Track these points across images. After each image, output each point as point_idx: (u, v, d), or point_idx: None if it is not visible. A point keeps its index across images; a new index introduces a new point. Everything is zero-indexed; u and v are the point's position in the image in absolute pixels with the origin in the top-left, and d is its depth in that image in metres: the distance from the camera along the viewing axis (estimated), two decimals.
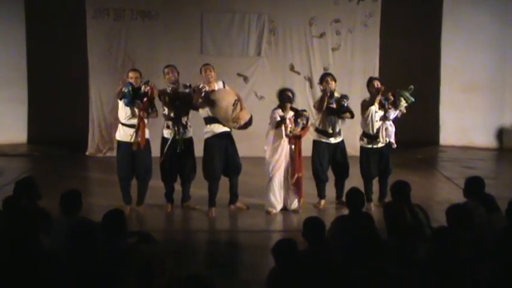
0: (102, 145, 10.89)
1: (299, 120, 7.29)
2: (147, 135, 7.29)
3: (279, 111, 7.31)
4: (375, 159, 7.57)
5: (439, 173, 10.00)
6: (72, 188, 5.11)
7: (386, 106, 7.38)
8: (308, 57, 10.95)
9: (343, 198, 6.68)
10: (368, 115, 7.44)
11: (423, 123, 11.54)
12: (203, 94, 7.15)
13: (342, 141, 7.67)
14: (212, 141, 7.29)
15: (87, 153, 10.88)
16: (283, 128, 7.22)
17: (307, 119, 7.43)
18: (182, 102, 7.28)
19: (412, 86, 7.39)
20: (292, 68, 10.99)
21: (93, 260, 4.20)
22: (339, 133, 7.61)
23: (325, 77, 7.56)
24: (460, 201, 5.30)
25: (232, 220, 7.48)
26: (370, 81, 7.52)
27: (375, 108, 7.40)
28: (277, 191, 7.38)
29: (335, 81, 7.54)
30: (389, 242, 4.67)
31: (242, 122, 7.18)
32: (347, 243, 4.51)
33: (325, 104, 7.37)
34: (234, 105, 7.13)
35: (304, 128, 7.37)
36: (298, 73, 10.99)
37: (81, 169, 10.05)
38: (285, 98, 7.34)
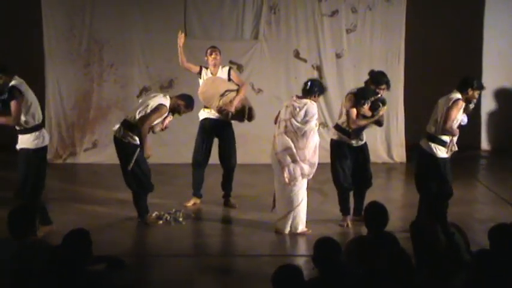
0: (62, 149, 10.84)
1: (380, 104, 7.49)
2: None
3: None
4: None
5: (480, 184, 10.04)
6: (22, 203, 5.09)
7: (470, 109, 7.37)
8: (317, 41, 10.98)
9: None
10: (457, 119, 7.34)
11: None
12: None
13: (365, 144, 7.75)
14: (203, 122, 8.09)
15: None
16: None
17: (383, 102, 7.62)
18: None
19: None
20: (297, 55, 11.01)
21: None
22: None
23: (381, 81, 7.57)
24: (507, 220, 5.31)
25: (224, 242, 7.50)
26: (479, 88, 7.30)
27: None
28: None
29: (388, 87, 7.69)
30: (418, 270, 4.66)
31: (233, 110, 7.75)
32: (364, 268, 4.52)
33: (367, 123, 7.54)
34: (222, 95, 7.76)
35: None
36: (305, 61, 11.02)
37: None
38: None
